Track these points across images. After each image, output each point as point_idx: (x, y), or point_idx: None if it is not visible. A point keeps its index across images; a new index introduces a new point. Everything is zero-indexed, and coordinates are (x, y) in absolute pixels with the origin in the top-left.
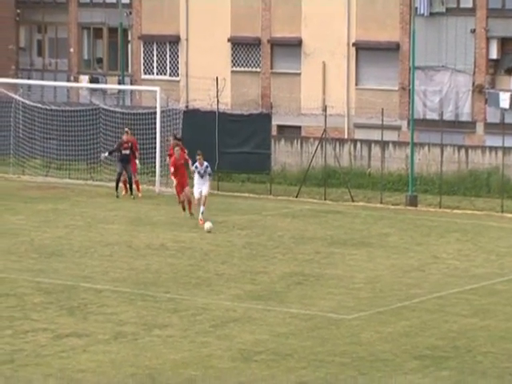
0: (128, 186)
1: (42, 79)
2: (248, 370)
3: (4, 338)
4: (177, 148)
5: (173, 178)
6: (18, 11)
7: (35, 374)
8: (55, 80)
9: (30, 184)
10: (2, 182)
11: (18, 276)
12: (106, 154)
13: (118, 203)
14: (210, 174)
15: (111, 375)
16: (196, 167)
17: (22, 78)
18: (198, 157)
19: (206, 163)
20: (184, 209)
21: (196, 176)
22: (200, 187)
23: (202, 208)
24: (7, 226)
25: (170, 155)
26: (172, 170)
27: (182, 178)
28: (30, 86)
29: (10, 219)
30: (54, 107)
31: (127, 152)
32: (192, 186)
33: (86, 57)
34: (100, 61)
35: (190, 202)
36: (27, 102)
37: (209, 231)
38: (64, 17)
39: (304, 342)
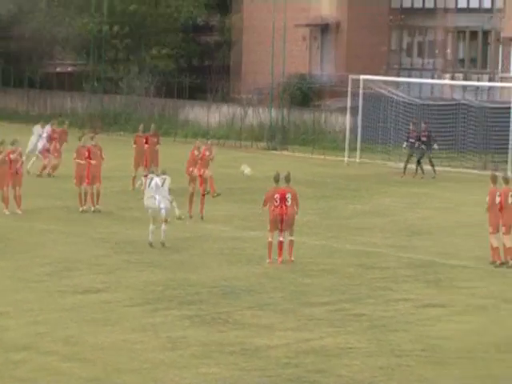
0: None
1: (411, 77)
2: None
3: (375, 305)
4: None
5: None
6: (391, 17)
7: (402, 338)
8: (421, 77)
9: (397, 170)
10: (376, 167)
11: (388, 251)
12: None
13: (480, 188)
14: None
15: (470, 343)
16: None
17: (391, 76)
18: None
19: None
20: None
21: None
22: None
23: None
24: (380, 206)
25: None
26: None
27: None
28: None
29: (382, 201)
30: (420, 101)
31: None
32: None
33: (449, 57)
34: (464, 60)
35: None
36: (400, 97)
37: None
38: (432, 21)
39: None
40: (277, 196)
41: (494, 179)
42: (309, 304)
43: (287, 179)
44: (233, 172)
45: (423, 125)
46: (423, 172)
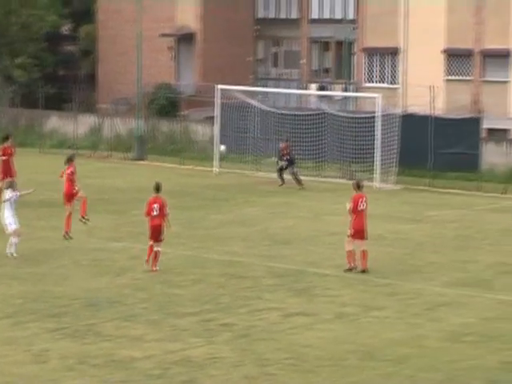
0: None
1: (277, 87)
2: (456, 349)
3: (241, 315)
4: None
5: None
6: (255, 27)
7: (267, 347)
8: (288, 88)
9: (264, 179)
10: (243, 177)
11: (254, 260)
12: None
13: (343, 197)
14: None
15: (334, 351)
16: None
17: (259, 86)
18: None
19: None
20: None
21: None
22: None
23: None
24: (246, 216)
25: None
26: None
27: None
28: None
29: (247, 211)
30: (285, 112)
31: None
32: None
33: (313, 67)
34: (327, 71)
35: None
36: (263, 107)
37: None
38: (296, 32)
39: (510, 325)
40: (154, 206)
41: (356, 186)
42: (175, 314)
43: (157, 189)
44: (98, 182)
45: (286, 143)
46: (283, 181)
